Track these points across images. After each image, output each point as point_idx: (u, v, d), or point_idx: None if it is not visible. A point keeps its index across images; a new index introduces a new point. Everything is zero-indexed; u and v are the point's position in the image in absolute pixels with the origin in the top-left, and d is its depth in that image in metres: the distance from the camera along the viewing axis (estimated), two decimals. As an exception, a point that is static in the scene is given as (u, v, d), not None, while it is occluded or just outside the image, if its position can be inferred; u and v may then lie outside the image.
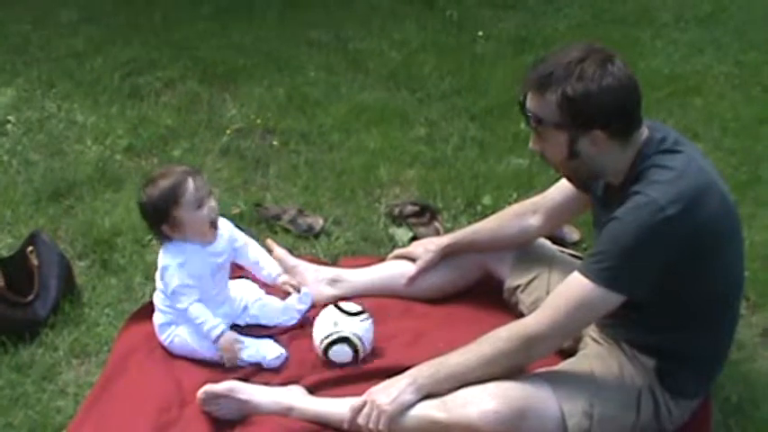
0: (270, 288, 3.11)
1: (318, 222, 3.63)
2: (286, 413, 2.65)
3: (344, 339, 2.83)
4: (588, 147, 2.40)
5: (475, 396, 2.45)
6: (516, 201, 3.77)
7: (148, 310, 3.03)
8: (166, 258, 2.85)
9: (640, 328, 2.52)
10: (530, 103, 2.43)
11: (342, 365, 2.84)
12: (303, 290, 3.06)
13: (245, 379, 2.77)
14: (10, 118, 4.53)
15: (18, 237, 3.46)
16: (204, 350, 2.86)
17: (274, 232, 3.59)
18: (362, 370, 2.82)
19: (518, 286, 3.04)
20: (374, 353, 2.90)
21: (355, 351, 2.84)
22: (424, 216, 3.67)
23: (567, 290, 2.44)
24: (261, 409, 2.66)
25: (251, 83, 4.92)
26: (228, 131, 4.37)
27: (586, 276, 2.38)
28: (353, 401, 2.58)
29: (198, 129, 4.45)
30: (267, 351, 2.86)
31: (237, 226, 3.11)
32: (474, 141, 4.34)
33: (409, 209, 3.68)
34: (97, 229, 3.56)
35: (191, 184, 2.79)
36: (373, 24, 5.69)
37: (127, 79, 4.96)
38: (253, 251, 3.06)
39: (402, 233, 3.59)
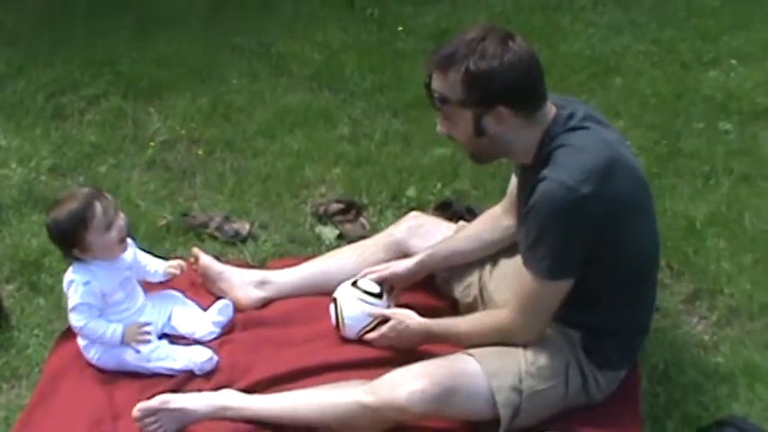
0: (193, 295, 3.15)
1: (245, 227, 3.63)
2: (222, 414, 2.66)
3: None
4: (493, 124, 2.44)
5: (402, 377, 2.50)
6: (441, 191, 3.84)
7: (78, 328, 3.04)
8: (72, 275, 2.88)
9: (565, 305, 2.55)
10: (435, 84, 2.47)
11: None
12: (222, 302, 3.09)
13: (176, 389, 2.77)
14: (-68, 147, 4.48)
15: (-57, 266, 3.44)
16: (131, 359, 2.87)
17: (202, 240, 3.59)
18: (293, 369, 2.83)
19: (451, 275, 3.08)
20: (303, 352, 2.92)
21: None
22: (349, 213, 3.69)
23: (522, 287, 2.52)
24: (196, 414, 2.66)
25: (175, 95, 4.89)
26: (153, 144, 4.36)
27: (531, 271, 2.46)
28: (288, 396, 2.66)
29: (123, 144, 4.42)
30: (197, 356, 2.87)
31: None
32: (397, 136, 4.37)
33: (334, 207, 3.70)
34: (24, 251, 3.54)
35: (98, 208, 2.80)
36: (295, 28, 5.68)
37: (50, 100, 4.89)
38: (140, 255, 3.09)
39: (328, 231, 3.61)
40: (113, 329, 2.84)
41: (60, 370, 2.94)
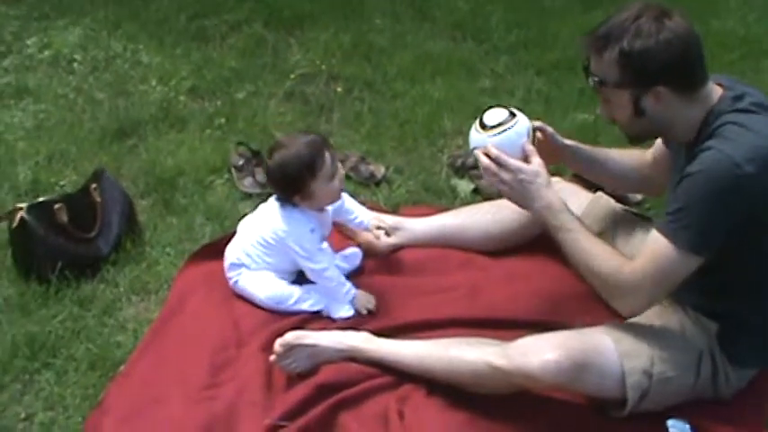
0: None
1: (380, 170, 3.61)
2: (350, 354, 2.66)
3: None
4: (653, 104, 2.37)
5: (536, 346, 2.44)
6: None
7: (209, 251, 3.07)
8: (294, 224, 2.83)
9: (705, 293, 2.48)
10: (592, 66, 2.42)
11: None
12: (351, 249, 3.09)
13: (301, 326, 2.77)
14: (76, 56, 4.56)
15: (82, 173, 3.49)
16: (275, 302, 2.88)
17: (336, 178, 3.58)
18: (420, 320, 2.81)
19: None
20: (431, 303, 2.89)
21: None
22: (486, 168, 3.62)
23: (654, 252, 2.40)
24: (327, 352, 2.65)
25: (316, 28, 4.89)
26: (293, 76, 4.36)
27: (667, 238, 2.35)
28: (419, 345, 2.64)
29: (262, 72, 4.45)
30: (337, 310, 2.87)
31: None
32: (539, 95, 4.28)
33: (471, 160, 3.63)
34: (160, 168, 3.59)
35: (327, 156, 2.78)
36: (441, -27, 5.60)
37: (193, 21, 4.95)
38: (347, 202, 3.07)
39: (464, 185, 3.56)
40: (348, 288, 2.86)
41: (188, 290, 2.97)
